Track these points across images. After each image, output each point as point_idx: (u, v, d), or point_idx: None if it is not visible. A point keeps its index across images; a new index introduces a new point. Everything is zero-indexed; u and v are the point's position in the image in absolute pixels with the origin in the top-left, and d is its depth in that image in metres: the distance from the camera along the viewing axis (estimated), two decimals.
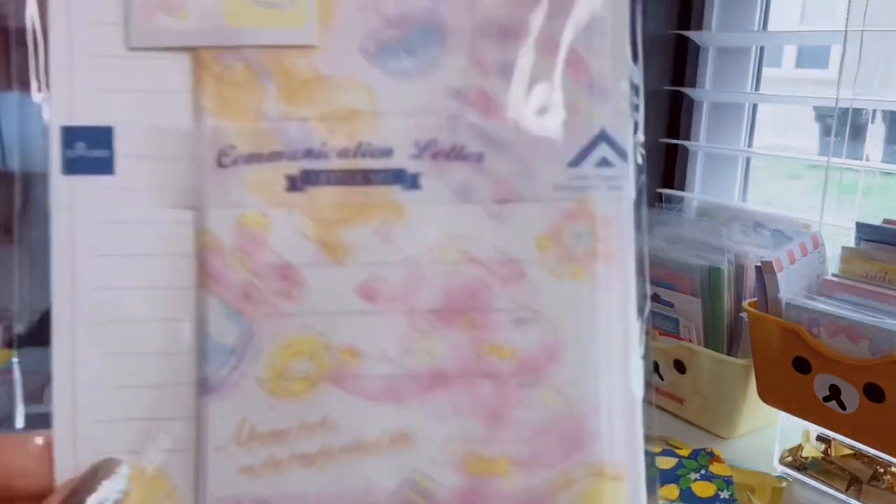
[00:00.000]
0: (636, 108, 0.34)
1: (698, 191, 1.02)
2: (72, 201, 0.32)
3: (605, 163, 0.33)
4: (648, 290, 0.33)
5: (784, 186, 1.23)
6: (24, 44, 0.32)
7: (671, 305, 0.72)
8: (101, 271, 0.32)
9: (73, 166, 0.31)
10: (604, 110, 0.33)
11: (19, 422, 0.34)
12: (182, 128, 0.31)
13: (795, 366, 0.60)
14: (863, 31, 0.75)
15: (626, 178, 0.33)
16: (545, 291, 0.32)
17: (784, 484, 0.61)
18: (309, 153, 0.31)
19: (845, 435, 0.59)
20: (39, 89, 0.32)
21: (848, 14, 0.75)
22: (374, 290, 0.32)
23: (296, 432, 0.31)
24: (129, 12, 0.31)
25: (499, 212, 0.32)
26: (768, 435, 0.69)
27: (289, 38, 0.31)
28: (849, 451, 0.62)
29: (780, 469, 0.64)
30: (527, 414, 0.31)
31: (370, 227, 0.32)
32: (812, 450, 0.64)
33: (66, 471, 0.29)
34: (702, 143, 1.01)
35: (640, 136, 0.34)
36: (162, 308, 0.32)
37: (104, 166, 0.31)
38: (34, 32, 0.32)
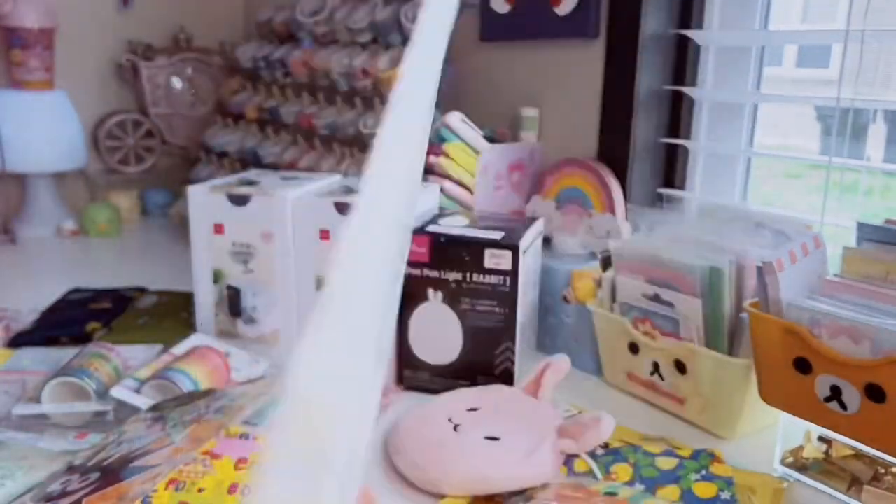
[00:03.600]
0: None
1: (699, 191, 1.02)
2: None
3: None
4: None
5: (785, 186, 1.23)
6: None
7: (672, 306, 0.72)
8: None
9: None
10: None
11: None
12: None
13: (796, 366, 0.59)
14: (864, 30, 0.75)
15: None
16: None
17: (785, 485, 0.61)
18: None
19: (846, 435, 0.59)
20: None
21: (849, 13, 0.75)
22: None
23: None
24: None
25: None
26: (769, 435, 0.69)
27: None
28: (850, 452, 0.61)
29: (780, 470, 0.64)
30: None
31: None
32: (813, 450, 0.64)
33: None
34: (702, 143, 1.01)
35: None
36: None
37: None
38: None
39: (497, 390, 0.73)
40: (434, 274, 0.77)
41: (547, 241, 0.95)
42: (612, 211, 0.96)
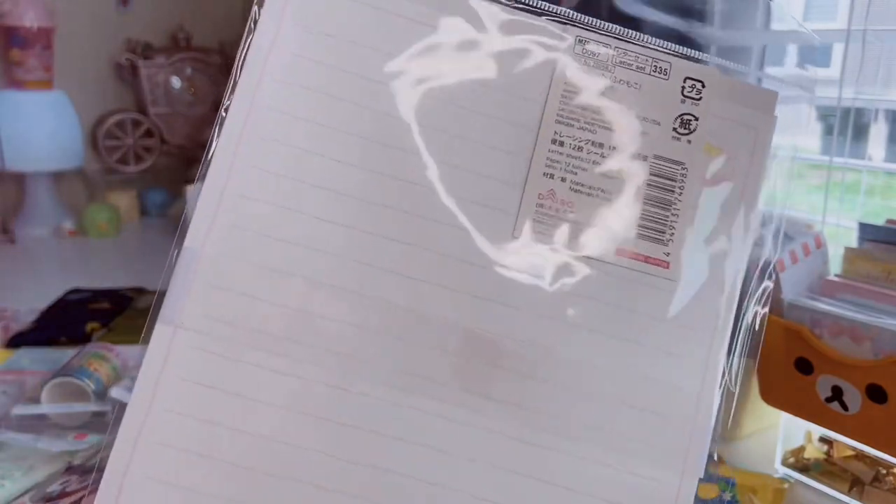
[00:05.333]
0: None
1: None
2: None
3: None
4: None
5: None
6: None
7: None
8: None
9: None
10: None
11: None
12: None
13: (797, 366, 0.59)
14: (865, 29, 0.75)
15: None
16: None
17: (786, 485, 0.61)
18: None
19: (848, 436, 0.59)
20: None
21: (850, 13, 0.75)
22: None
23: None
24: None
25: None
26: (770, 436, 0.69)
27: None
28: (851, 453, 0.61)
29: (782, 470, 0.64)
30: None
31: None
32: (814, 451, 0.63)
33: None
34: None
35: None
36: None
37: None
38: None
39: None
40: None
41: None
42: None
